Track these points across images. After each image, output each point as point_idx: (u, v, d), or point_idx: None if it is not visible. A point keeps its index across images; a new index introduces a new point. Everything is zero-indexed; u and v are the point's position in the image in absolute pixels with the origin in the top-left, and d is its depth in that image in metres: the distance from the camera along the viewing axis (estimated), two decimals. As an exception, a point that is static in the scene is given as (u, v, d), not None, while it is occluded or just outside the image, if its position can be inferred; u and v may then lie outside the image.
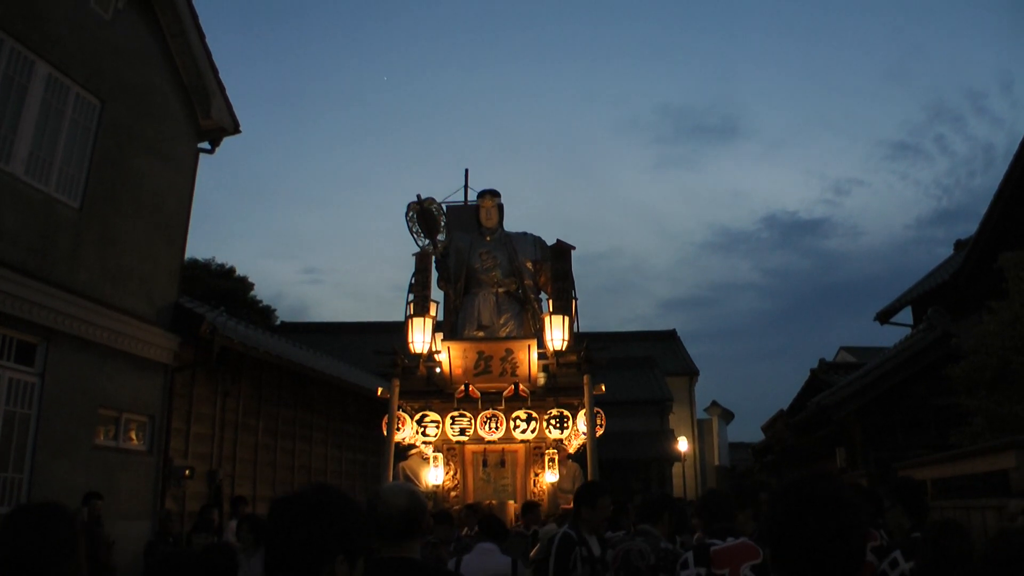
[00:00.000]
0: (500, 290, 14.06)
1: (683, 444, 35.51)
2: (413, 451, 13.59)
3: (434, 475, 12.92)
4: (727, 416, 46.92)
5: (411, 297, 13.69)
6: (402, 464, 13.35)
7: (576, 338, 13.46)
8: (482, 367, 12.70)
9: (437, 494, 12.89)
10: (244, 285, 39.59)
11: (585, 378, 12.39)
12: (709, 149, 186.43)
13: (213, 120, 16.37)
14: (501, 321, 13.80)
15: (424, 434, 12.70)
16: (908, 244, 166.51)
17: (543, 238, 14.52)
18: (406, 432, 12.75)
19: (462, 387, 12.62)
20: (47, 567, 2.98)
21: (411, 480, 13.12)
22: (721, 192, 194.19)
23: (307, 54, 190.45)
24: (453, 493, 12.99)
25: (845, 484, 2.21)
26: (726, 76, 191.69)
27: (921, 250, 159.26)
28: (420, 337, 13.35)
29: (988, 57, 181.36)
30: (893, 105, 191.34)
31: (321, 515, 2.34)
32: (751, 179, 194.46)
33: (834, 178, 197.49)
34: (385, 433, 12.54)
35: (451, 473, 13.10)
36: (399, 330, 13.83)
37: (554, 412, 12.56)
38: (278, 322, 42.50)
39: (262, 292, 57.61)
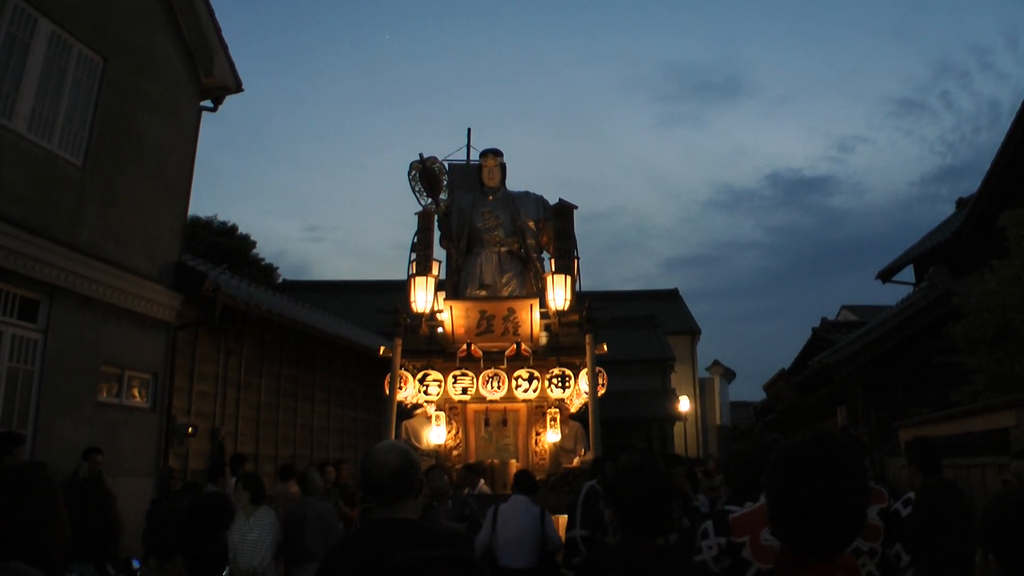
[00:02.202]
0: (502, 249, 14.07)
1: (684, 403, 35.63)
2: (419, 410, 13.65)
3: (436, 434, 12.98)
4: (729, 375, 47.02)
5: (413, 256, 13.71)
6: (405, 422, 13.42)
7: (578, 297, 13.49)
8: (484, 326, 12.74)
9: (439, 453, 12.96)
10: (246, 243, 39.50)
11: (587, 337, 12.44)
12: (713, 107, 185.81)
13: (216, 78, 16.28)
14: (503, 280, 13.82)
15: (426, 393, 12.75)
16: (912, 201, 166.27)
17: (545, 197, 14.52)
18: (408, 391, 12.80)
19: (464, 346, 12.67)
20: (29, 526, 3.01)
21: (413, 438, 13.20)
22: (725, 150, 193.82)
23: (309, 12, 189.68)
24: (455, 452, 13.06)
25: (845, 446, 2.21)
26: (730, 33, 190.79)
27: (925, 207, 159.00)
28: (422, 296, 13.37)
29: (994, 13, 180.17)
30: (898, 62, 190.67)
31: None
32: (755, 137, 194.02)
33: (838, 135, 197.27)
34: (387, 392, 12.59)
35: (453, 432, 13.16)
36: (401, 289, 13.85)
37: (556, 371, 12.61)
38: (280, 280, 42.47)
39: (264, 250, 57.59)
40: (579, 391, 12.70)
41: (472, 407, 13.25)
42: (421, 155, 13.73)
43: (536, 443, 13.04)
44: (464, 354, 12.70)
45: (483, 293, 13.57)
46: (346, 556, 3.50)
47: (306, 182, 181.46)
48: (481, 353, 12.69)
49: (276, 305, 18.77)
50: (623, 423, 31.42)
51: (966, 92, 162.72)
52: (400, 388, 12.60)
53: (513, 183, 14.85)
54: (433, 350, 13.09)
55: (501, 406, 13.07)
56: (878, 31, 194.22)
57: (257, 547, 8.48)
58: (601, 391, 12.56)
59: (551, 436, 12.86)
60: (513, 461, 12.80)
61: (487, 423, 13.21)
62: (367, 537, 3.56)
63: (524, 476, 9.52)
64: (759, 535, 5.12)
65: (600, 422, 12.12)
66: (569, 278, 13.29)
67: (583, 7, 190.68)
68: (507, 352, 12.59)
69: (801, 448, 2.20)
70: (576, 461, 13.08)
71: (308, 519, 9.12)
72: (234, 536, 8.33)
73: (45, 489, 3.18)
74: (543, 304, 13.11)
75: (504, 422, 13.17)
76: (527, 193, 14.69)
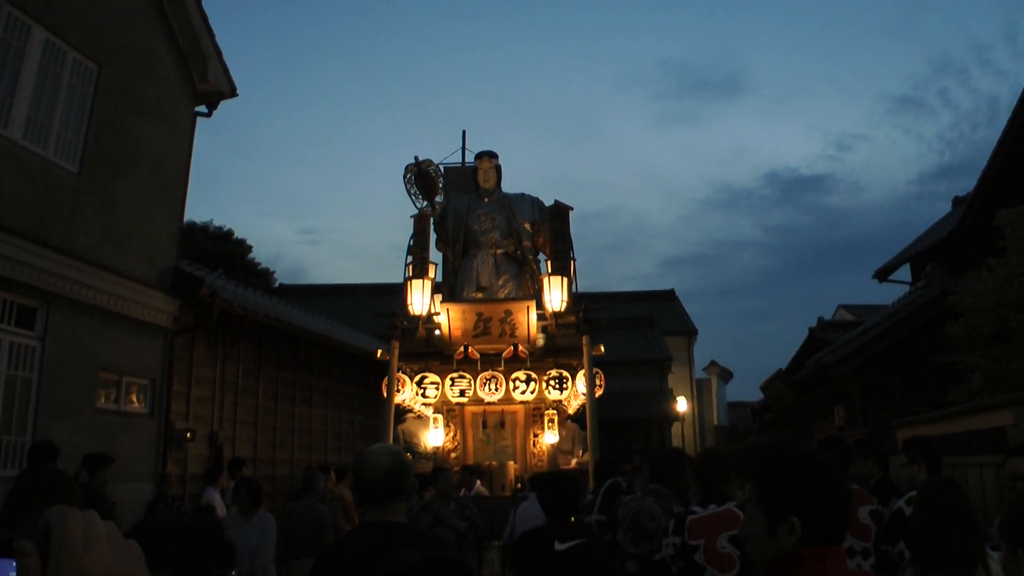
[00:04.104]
0: (499, 251, 14.09)
1: (682, 404, 35.60)
2: (409, 414, 13.68)
3: (434, 436, 12.99)
4: (726, 375, 47.06)
5: (410, 259, 13.72)
6: (400, 427, 13.42)
7: (575, 299, 13.50)
8: (481, 328, 12.75)
9: (437, 455, 12.97)
10: (242, 247, 39.51)
11: (584, 339, 12.44)
12: (711, 105, 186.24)
13: (210, 83, 16.29)
14: (500, 282, 13.84)
15: (424, 396, 12.76)
16: (910, 199, 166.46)
17: (542, 198, 14.56)
18: (406, 394, 12.81)
19: (461, 348, 12.68)
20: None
21: (410, 443, 13.22)
22: (723, 149, 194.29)
23: (304, 15, 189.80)
24: (453, 454, 13.07)
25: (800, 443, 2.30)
26: (729, 31, 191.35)
27: (923, 205, 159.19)
28: (419, 299, 13.38)
29: (992, 8, 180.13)
30: (897, 59, 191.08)
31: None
32: (753, 135, 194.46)
33: (837, 133, 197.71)
34: (385, 395, 12.59)
35: (451, 434, 13.17)
36: (398, 292, 13.86)
37: (553, 373, 12.62)
38: (277, 284, 42.47)
39: (260, 253, 57.58)
40: (576, 392, 12.71)
41: (470, 409, 13.27)
42: (416, 158, 13.74)
43: (534, 445, 13.06)
44: (461, 356, 12.71)
45: (480, 295, 13.58)
46: (338, 557, 3.53)
47: (302, 185, 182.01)
48: (478, 355, 12.70)
49: (273, 309, 18.75)
50: (621, 424, 31.38)
51: (964, 89, 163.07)
52: (398, 391, 12.60)
53: (510, 184, 14.89)
54: (430, 352, 13.10)
55: (499, 408, 13.09)
56: (877, 28, 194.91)
57: (256, 551, 8.48)
58: (598, 392, 12.57)
59: (549, 437, 12.87)
60: (511, 463, 12.82)
61: (485, 425, 13.24)
62: (359, 539, 3.58)
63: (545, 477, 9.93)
64: (716, 540, 5.11)
65: (598, 423, 12.12)
66: (565, 279, 13.30)
67: (579, 7, 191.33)
68: (504, 354, 12.60)
69: (801, 446, 2.25)
70: (574, 462, 13.10)
71: (303, 518, 9.53)
72: (232, 536, 8.34)
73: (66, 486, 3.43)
74: (540, 306, 13.11)
75: (502, 424, 13.19)
76: (523, 195, 14.71)
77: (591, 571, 5.57)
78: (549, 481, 6.23)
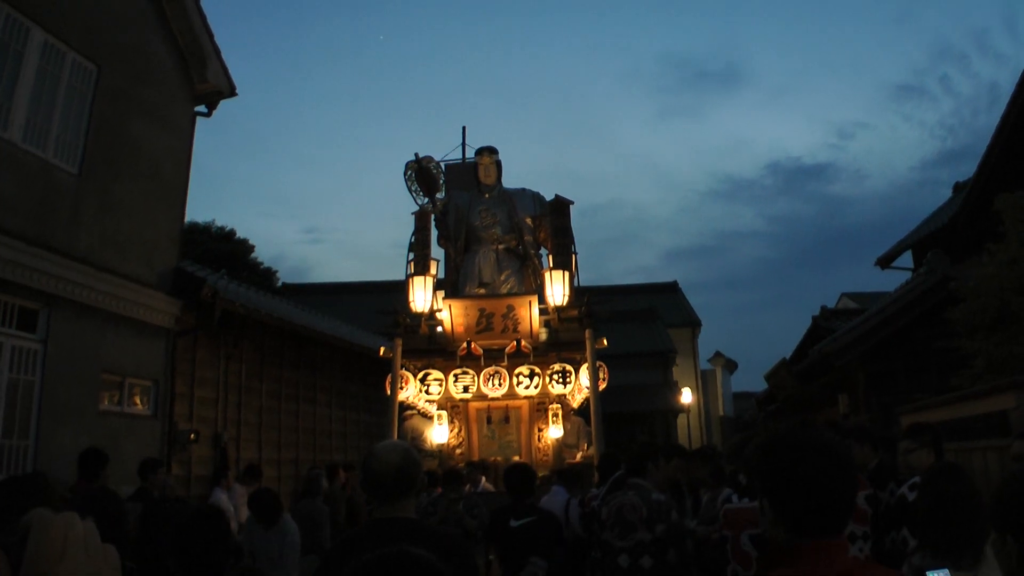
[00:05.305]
0: (500, 247, 14.09)
1: (687, 395, 35.61)
2: (409, 411, 13.69)
3: (439, 433, 12.99)
4: (730, 366, 46.99)
5: (411, 256, 13.73)
6: (406, 424, 13.43)
7: (577, 292, 13.49)
8: (484, 324, 12.75)
9: (442, 452, 12.98)
10: (245, 247, 39.48)
11: (587, 332, 12.44)
12: (712, 97, 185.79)
13: (210, 83, 16.27)
14: (502, 278, 13.84)
15: (427, 392, 12.76)
16: (912, 186, 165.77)
17: (543, 193, 14.56)
18: (410, 391, 12.81)
19: (464, 345, 12.68)
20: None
21: (416, 440, 13.22)
22: (724, 140, 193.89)
23: (304, 14, 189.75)
24: (458, 451, 13.07)
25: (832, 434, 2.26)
26: (728, 21, 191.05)
27: (926, 192, 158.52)
28: (421, 296, 13.39)
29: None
30: (897, 46, 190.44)
31: None
32: (754, 126, 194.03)
33: (838, 122, 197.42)
34: (389, 393, 12.60)
35: (456, 431, 13.17)
36: (401, 289, 13.86)
37: (557, 367, 12.60)
38: (280, 284, 42.43)
39: (263, 253, 57.32)
40: (580, 386, 12.71)
41: (474, 405, 13.27)
42: (417, 155, 13.75)
43: (539, 439, 13.05)
44: (464, 352, 12.71)
45: (482, 291, 13.58)
46: (345, 554, 3.52)
47: (304, 185, 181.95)
48: (481, 351, 12.69)
49: (275, 308, 18.73)
50: (626, 417, 31.40)
51: (965, 75, 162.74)
52: (401, 388, 12.61)
53: (511, 179, 14.90)
54: (433, 349, 13.10)
55: (503, 403, 13.09)
56: (876, 16, 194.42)
57: (276, 560, 8.46)
58: (602, 386, 12.57)
59: (553, 432, 12.86)
60: (516, 458, 12.81)
61: (489, 421, 13.23)
62: (368, 536, 3.58)
63: (566, 470, 10.68)
64: (740, 536, 5.15)
65: (602, 417, 12.13)
66: (567, 273, 13.30)
67: (579, 2, 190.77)
68: (507, 349, 12.60)
69: (794, 434, 2.22)
70: (579, 456, 13.11)
71: (304, 517, 9.96)
72: (253, 544, 8.37)
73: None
74: (542, 300, 13.11)
75: (506, 419, 13.19)
76: (523, 190, 14.71)
77: (538, 542, 7.26)
78: (510, 472, 8.08)
